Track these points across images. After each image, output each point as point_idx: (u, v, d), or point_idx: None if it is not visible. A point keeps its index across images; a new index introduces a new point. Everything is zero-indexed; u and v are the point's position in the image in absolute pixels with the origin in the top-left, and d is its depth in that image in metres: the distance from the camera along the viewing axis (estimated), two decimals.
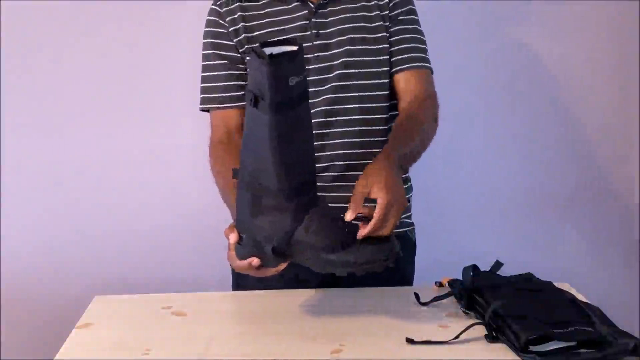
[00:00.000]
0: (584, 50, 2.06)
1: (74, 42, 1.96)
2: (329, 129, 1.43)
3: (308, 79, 1.41)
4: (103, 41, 1.97)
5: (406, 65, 1.46)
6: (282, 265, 1.19)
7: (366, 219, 1.15)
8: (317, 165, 1.42)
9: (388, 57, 1.46)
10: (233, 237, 1.20)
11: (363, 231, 1.13)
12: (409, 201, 1.54)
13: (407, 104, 1.43)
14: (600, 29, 2.05)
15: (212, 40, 1.48)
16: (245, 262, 1.19)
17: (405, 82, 1.45)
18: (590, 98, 2.08)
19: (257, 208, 1.16)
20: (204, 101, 1.50)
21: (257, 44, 1.10)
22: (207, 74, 1.49)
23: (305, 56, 1.41)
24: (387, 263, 1.14)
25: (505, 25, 2.03)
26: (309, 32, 1.44)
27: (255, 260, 1.18)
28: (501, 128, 2.08)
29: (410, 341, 1.13)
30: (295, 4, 1.45)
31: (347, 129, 1.44)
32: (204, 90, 1.50)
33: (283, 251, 1.16)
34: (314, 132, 1.40)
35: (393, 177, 1.18)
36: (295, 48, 1.10)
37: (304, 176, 1.16)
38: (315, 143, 1.41)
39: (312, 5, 1.45)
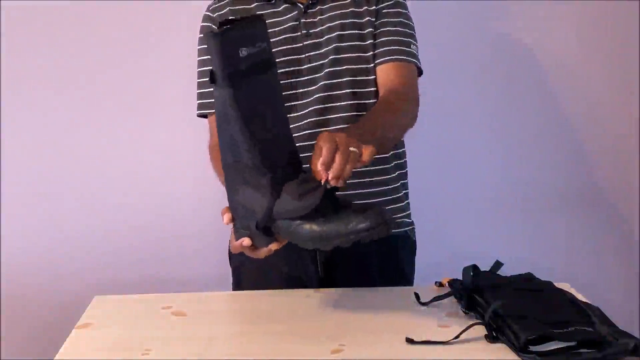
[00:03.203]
0: (583, 50, 2.06)
1: (75, 43, 1.96)
2: (322, 127, 1.43)
3: (301, 78, 1.42)
4: (104, 43, 1.97)
5: (386, 58, 1.43)
6: (274, 245, 1.16)
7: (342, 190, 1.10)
8: None
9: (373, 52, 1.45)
10: (226, 217, 1.19)
11: (330, 175, 1.04)
12: (407, 198, 1.54)
13: (380, 98, 1.41)
14: (600, 29, 2.05)
15: (205, 46, 1.48)
16: (237, 243, 1.18)
17: (384, 75, 1.43)
18: (591, 98, 2.08)
19: (238, 185, 1.15)
20: (200, 107, 1.50)
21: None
22: (203, 79, 1.49)
23: (296, 57, 1.42)
24: (374, 232, 1.07)
25: (506, 25, 2.04)
26: (299, 33, 1.44)
27: (246, 240, 1.16)
28: (501, 128, 2.08)
29: (410, 341, 1.13)
30: (284, 6, 1.45)
31: (340, 126, 1.43)
32: (199, 96, 1.50)
33: (268, 228, 1.14)
34: (307, 131, 1.40)
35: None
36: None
37: (278, 148, 1.14)
38: (309, 142, 1.41)
39: (301, 6, 1.45)
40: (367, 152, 1.08)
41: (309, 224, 1.10)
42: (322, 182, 1.06)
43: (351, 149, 1.06)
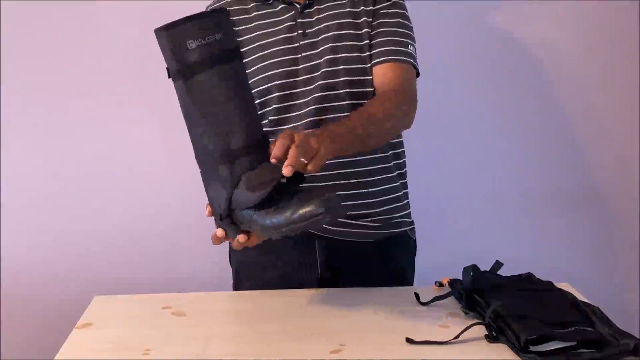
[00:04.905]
0: (583, 50, 2.05)
1: (76, 42, 1.96)
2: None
3: (299, 78, 1.41)
4: (105, 43, 1.97)
5: (382, 58, 1.41)
6: (242, 237, 1.16)
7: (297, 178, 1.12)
8: None
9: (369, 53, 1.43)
10: (207, 210, 1.20)
11: (285, 168, 1.07)
12: (406, 198, 1.54)
13: (375, 96, 1.40)
14: (600, 29, 2.05)
15: None
16: (213, 234, 1.19)
17: (380, 75, 1.41)
18: (590, 98, 2.08)
19: (208, 179, 1.17)
20: None
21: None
22: None
23: (292, 57, 1.41)
24: (319, 219, 1.06)
25: (507, 26, 2.03)
26: (296, 33, 1.43)
27: (218, 232, 1.18)
28: (502, 128, 2.08)
29: (410, 341, 1.13)
30: (282, 6, 1.45)
31: None
32: None
33: (230, 218, 1.15)
34: (306, 131, 1.39)
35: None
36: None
37: (238, 138, 1.13)
38: None
39: (298, 6, 1.44)
40: (312, 163, 1.10)
41: (262, 213, 1.11)
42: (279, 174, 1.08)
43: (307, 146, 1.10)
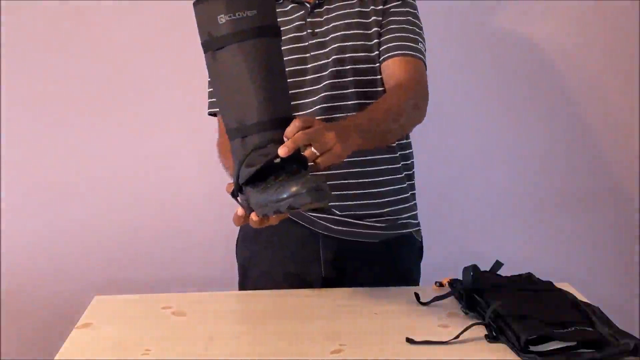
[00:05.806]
0: (583, 50, 2.05)
1: (76, 43, 1.96)
2: None
3: (307, 77, 1.42)
4: (106, 43, 1.96)
5: (391, 53, 1.41)
6: (255, 216, 1.12)
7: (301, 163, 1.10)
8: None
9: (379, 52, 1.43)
10: (228, 187, 1.17)
11: (282, 148, 1.06)
12: (414, 199, 1.53)
13: (386, 91, 1.39)
14: (600, 29, 2.05)
15: None
16: (234, 214, 1.16)
17: (389, 69, 1.41)
18: (590, 99, 2.08)
19: (231, 152, 1.17)
20: (210, 106, 1.49)
21: None
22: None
23: (301, 56, 1.42)
24: (307, 199, 1.03)
25: (510, 26, 2.03)
26: (305, 32, 1.43)
27: (239, 210, 1.15)
28: (503, 129, 2.08)
29: (410, 341, 1.13)
30: (292, 5, 1.45)
31: None
32: (210, 95, 1.49)
33: (244, 195, 1.14)
34: None
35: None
36: None
37: (253, 115, 1.12)
38: None
39: (308, 6, 1.45)
40: (323, 157, 1.08)
41: (254, 190, 1.11)
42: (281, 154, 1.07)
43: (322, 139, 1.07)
